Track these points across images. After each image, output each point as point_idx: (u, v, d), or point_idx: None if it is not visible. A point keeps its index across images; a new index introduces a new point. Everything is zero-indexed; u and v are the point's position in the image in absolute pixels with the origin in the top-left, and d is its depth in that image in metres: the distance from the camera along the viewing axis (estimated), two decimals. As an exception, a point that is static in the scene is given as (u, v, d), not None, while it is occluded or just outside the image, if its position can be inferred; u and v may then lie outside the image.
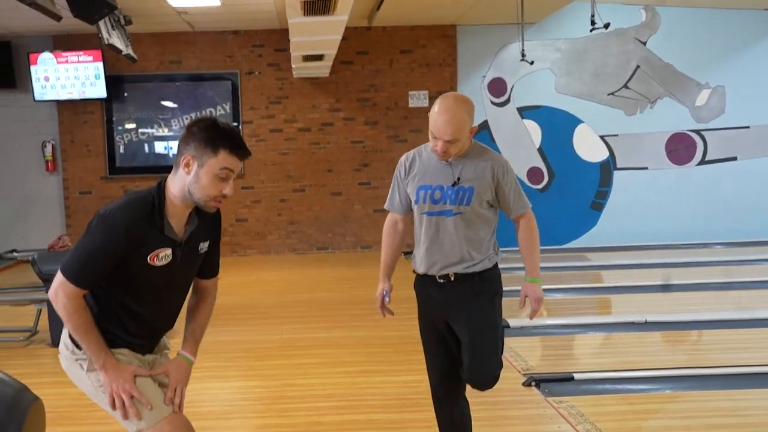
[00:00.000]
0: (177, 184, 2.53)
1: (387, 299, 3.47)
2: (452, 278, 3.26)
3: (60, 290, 2.49)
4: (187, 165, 2.49)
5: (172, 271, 2.57)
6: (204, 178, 2.48)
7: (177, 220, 2.56)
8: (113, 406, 2.53)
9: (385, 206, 3.51)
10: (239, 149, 2.50)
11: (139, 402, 2.53)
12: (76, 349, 2.59)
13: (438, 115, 3.12)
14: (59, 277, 2.49)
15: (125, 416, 2.53)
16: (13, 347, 6.28)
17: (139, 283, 2.55)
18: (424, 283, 3.37)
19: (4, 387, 3.18)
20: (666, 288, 6.43)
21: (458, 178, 3.20)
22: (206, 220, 2.66)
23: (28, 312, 6.63)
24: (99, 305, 2.57)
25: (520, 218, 3.31)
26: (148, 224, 2.49)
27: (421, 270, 3.35)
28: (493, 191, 3.23)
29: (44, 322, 6.32)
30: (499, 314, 3.34)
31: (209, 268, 2.79)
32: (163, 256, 2.52)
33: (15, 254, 9.44)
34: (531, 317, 3.37)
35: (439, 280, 3.29)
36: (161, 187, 2.55)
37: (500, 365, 3.32)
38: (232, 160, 2.49)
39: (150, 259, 2.50)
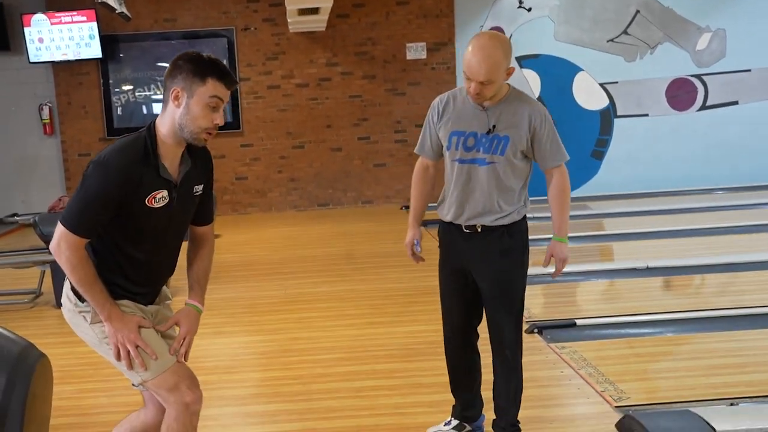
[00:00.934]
0: (167, 121, 2.53)
1: (418, 248, 3.38)
2: (479, 230, 3.19)
3: (62, 242, 2.48)
4: (177, 98, 2.50)
5: (170, 213, 2.58)
6: (195, 108, 2.48)
7: (170, 161, 2.56)
8: (118, 357, 2.55)
9: (416, 150, 3.38)
10: (226, 76, 2.52)
11: (144, 352, 2.56)
12: (79, 302, 2.61)
13: (471, 54, 2.98)
14: (59, 229, 2.49)
15: (130, 366, 2.56)
16: (18, 309, 6.34)
17: (138, 227, 2.55)
18: (450, 231, 3.28)
19: (10, 344, 3.22)
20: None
21: (493, 126, 3.08)
22: (198, 163, 2.66)
23: (31, 274, 6.69)
24: (98, 256, 2.57)
25: (554, 171, 3.20)
26: (143, 166, 2.49)
27: (447, 218, 3.27)
28: (529, 141, 3.10)
29: (48, 284, 6.37)
30: (524, 272, 3.28)
31: (204, 213, 2.79)
32: (160, 198, 2.53)
33: (17, 218, 9.46)
34: (554, 276, 3.34)
35: (465, 230, 3.21)
36: (152, 129, 2.55)
37: (520, 325, 3.29)
38: (220, 88, 2.49)
39: (148, 201, 2.50)
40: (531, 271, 6.39)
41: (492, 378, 3.40)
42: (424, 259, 3.46)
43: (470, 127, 3.13)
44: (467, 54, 3.01)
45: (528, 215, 3.33)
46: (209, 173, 2.75)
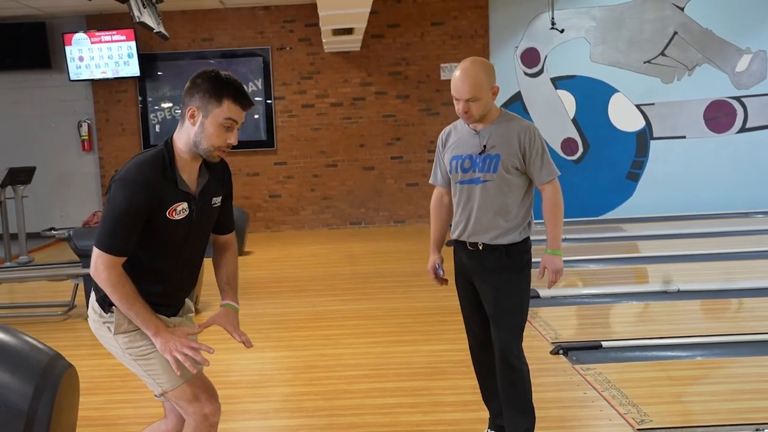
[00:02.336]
0: (183, 137, 2.61)
1: (440, 271, 3.60)
2: (481, 247, 3.36)
3: (99, 264, 2.55)
4: (193, 116, 2.57)
5: (190, 225, 2.65)
6: (209, 127, 2.56)
7: (188, 174, 2.64)
8: (177, 369, 2.59)
9: (430, 181, 3.65)
10: (242, 98, 2.58)
11: (160, 362, 2.64)
12: (103, 312, 2.69)
13: (456, 77, 3.26)
14: (95, 253, 2.56)
15: (191, 364, 2.59)
16: (52, 321, 6.50)
17: (161, 240, 2.62)
18: (457, 248, 3.49)
19: (39, 354, 3.34)
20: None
21: (484, 146, 3.31)
22: (216, 175, 2.75)
23: (66, 287, 6.86)
24: (132, 268, 2.63)
25: (546, 186, 3.34)
26: (163, 179, 2.57)
27: (454, 236, 3.49)
28: (521, 158, 3.28)
29: (81, 297, 6.53)
30: (524, 289, 3.39)
31: (225, 223, 2.88)
32: (180, 210, 2.60)
33: (53, 232, 9.69)
34: (549, 287, 3.42)
35: (469, 248, 3.41)
36: (169, 144, 2.64)
37: (518, 340, 3.37)
38: (235, 110, 2.57)
39: (169, 213, 2.58)
40: (559, 292, 6.45)
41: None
42: (447, 281, 3.62)
43: (466, 150, 3.36)
44: (453, 78, 3.27)
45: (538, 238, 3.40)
46: (227, 185, 2.83)
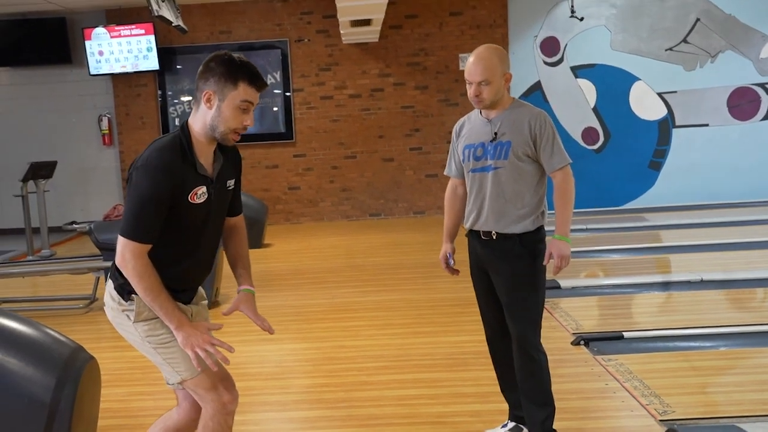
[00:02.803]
0: (199, 121, 2.63)
1: (451, 261, 3.60)
2: (494, 236, 3.36)
3: (126, 253, 2.55)
4: (209, 100, 2.58)
5: (209, 209, 2.67)
6: (226, 111, 2.57)
7: (205, 158, 2.65)
8: (197, 363, 2.58)
9: (445, 172, 3.67)
10: (257, 80, 2.59)
11: (179, 350, 2.64)
12: (122, 300, 2.69)
13: (469, 61, 3.30)
14: (121, 241, 2.57)
15: (211, 362, 2.60)
16: (73, 314, 6.55)
17: (182, 225, 2.63)
18: (471, 238, 3.49)
19: (61, 347, 3.37)
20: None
21: (495, 133, 3.31)
22: (229, 158, 2.76)
23: (87, 280, 6.91)
24: (153, 255, 2.62)
25: (557, 173, 3.33)
26: (182, 163, 2.58)
27: (467, 225, 3.49)
28: (531, 145, 3.28)
29: (102, 290, 6.53)
30: (539, 278, 3.37)
31: (235, 206, 2.90)
32: (200, 194, 2.61)
33: (75, 226, 9.75)
34: (554, 273, 3.40)
35: (483, 237, 3.40)
36: (185, 129, 2.65)
37: (534, 330, 3.36)
38: (251, 92, 2.58)
39: (190, 197, 2.59)
40: (580, 283, 6.42)
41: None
42: (459, 271, 3.61)
43: (478, 139, 3.38)
44: (467, 63, 3.31)
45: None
46: (239, 168, 2.85)
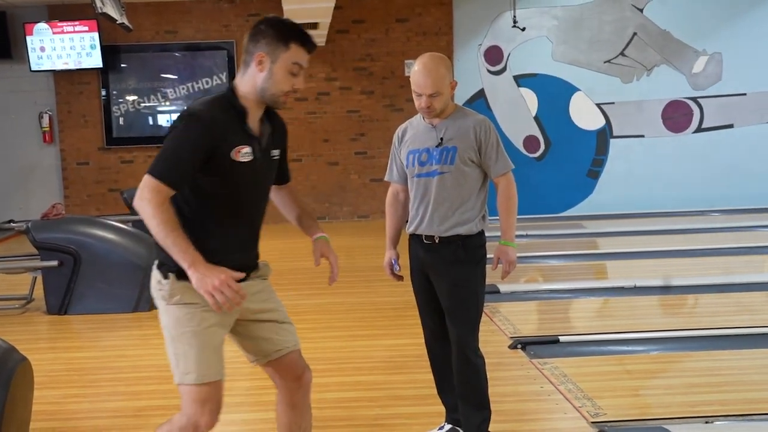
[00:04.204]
0: (248, 83, 2.57)
1: (397, 267, 3.58)
2: (437, 240, 3.36)
3: (145, 188, 2.40)
4: (261, 62, 2.54)
5: (255, 170, 2.59)
6: (278, 73, 2.54)
7: (252, 119, 2.60)
8: (215, 306, 2.35)
9: (386, 178, 3.64)
10: (309, 42, 2.59)
11: (194, 351, 2.50)
12: (163, 280, 2.54)
13: (418, 72, 3.26)
14: (145, 179, 2.42)
15: (228, 306, 2.37)
16: (9, 315, 6.37)
17: (225, 183, 2.54)
18: (413, 243, 3.49)
19: (-8, 347, 3.27)
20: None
21: (441, 139, 3.32)
22: (278, 129, 2.73)
23: (24, 280, 6.73)
24: (188, 221, 2.50)
25: (501, 179, 3.37)
26: (229, 118, 2.53)
27: (410, 230, 3.48)
28: (477, 151, 3.31)
29: (39, 290, 6.42)
30: (480, 284, 3.40)
31: (284, 174, 2.89)
32: (245, 153, 2.53)
33: (13, 224, 9.50)
34: (502, 278, 3.44)
35: (425, 241, 3.40)
36: (233, 90, 2.60)
37: (474, 334, 3.38)
38: (302, 53, 2.57)
39: (234, 155, 2.51)
40: (519, 288, 6.49)
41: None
42: (403, 278, 3.60)
43: (423, 144, 3.37)
44: (414, 73, 3.28)
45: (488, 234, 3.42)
46: (285, 137, 2.81)
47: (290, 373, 2.81)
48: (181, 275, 2.46)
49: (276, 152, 2.71)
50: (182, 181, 2.46)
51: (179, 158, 2.45)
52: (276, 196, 2.92)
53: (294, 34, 2.55)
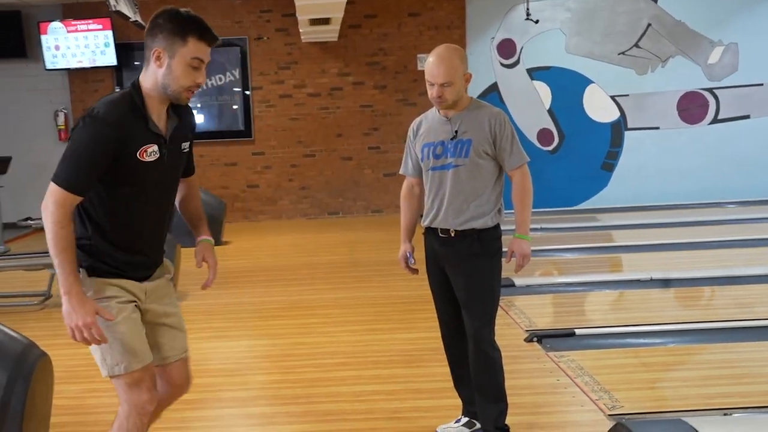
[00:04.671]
0: (149, 79, 2.53)
1: (411, 260, 3.60)
2: (452, 234, 3.36)
3: (50, 199, 2.41)
4: (158, 58, 2.49)
5: (161, 169, 2.57)
6: (177, 68, 2.48)
7: (157, 116, 2.56)
8: (73, 337, 2.44)
9: (400, 171, 3.66)
10: (208, 35, 2.50)
11: (118, 343, 2.54)
12: (80, 268, 2.54)
13: (431, 62, 3.29)
14: (51, 187, 2.43)
15: (88, 343, 2.46)
16: (28, 311, 6.44)
17: (131, 183, 2.53)
18: (428, 236, 3.50)
19: (13, 343, 3.32)
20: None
21: (456, 132, 3.32)
22: (184, 121, 2.68)
23: (42, 276, 6.79)
24: (92, 221, 2.55)
25: (515, 172, 3.37)
26: (133, 118, 2.48)
27: (425, 223, 3.49)
28: (491, 143, 3.31)
29: (57, 286, 6.46)
30: (495, 277, 3.40)
31: (191, 164, 2.86)
32: (151, 152, 2.51)
33: (30, 222, 9.59)
34: (516, 271, 3.44)
35: (440, 235, 3.41)
36: (136, 86, 2.55)
37: (490, 327, 3.39)
38: (202, 47, 2.49)
39: (140, 154, 2.48)
40: (534, 281, 6.49)
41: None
42: (418, 270, 3.62)
43: (438, 137, 3.38)
44: (428, 64, 3.30)
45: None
46: (193, 129, 2.77)
47: (173, 380, 2.84)
48: (93, 271, 2.54)
49: (186, 144, 2.70)
50: (87, 186, 2.46)
51: (83, 164, 2.42)
52: (183, 189, 2.88)
53: (192, 27, 2.47)
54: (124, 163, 2.48)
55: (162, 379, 2.82)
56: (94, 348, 2.59)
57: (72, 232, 2.45)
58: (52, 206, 2.41)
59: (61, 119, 11.35)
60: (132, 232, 2.59)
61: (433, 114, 3.46)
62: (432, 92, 3.28)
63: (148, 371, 2.64)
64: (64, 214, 2.41)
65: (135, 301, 2.64)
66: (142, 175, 2.53)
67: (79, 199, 2.45)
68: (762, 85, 11.35)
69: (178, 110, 2.65)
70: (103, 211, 2.55)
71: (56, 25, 10.88)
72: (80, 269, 2.52)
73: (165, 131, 2.58)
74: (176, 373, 2.83)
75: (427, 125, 3.45)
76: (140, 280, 2.66)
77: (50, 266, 6.44)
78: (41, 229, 8.10)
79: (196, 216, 2.89)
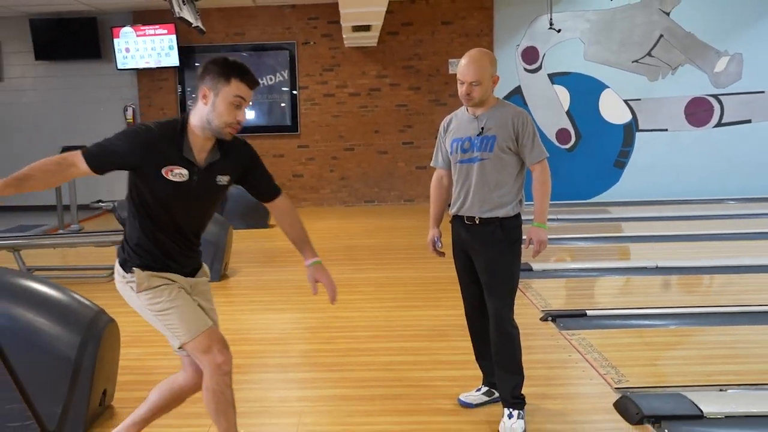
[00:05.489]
0: (197, 116, 2.60)
1: (439, 244, 3.60)
2: (477, 221, 3.35)
3: (69, 154, 2.55)
4: (205, 96, 2.56)
5: (188, 190, 2.61)
6: (220, 105, 2.54)
7: (198, 148, 2.61)
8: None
9: (431, 164, 3.66)
10: (248, 76, 2.56)
11: (177, 317, 2.64)
12: (125, 273, 2.69)
13: (462, 62, 3.29)
14: (79, 150, 2.56)
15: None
16: (98, 282, 6.55)
17: (157, 195, 2.60)
18: (455, 223, 3.48)
19: (85, 310, 3.38)
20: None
21: (482, 129, 3.31)
22: (229, 157, 2.69)
23: (110, 252, 6.87)
24: (138, 229, 2.66)
25: (536, 166, 3.33)
26: (169, 142, 2.56)
27: (452, 211, 3.48)
28: (514, 140, 3.29)
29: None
30: (515, 261, 3.38)
31: (267, 190, 2.86)
32: (177, 173, 2.57)
33: (101, 204, 9.74)
34: (533, 257, 3.42)
35: (466, 222, 3.40)
36: (185, 119, 2.63)
37: (509, 306, 3.37)
38: (243, 88, 2.55)
39: (164, 172, 2.55)
40: (550, 266, 6.44)
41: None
42: (444, 254, 3.61)
43: (466, 133, 3.37)
44: (460, 64, 3.30)
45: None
46: (242, 167, 2.76)
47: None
48: (144, 267, 2.66)
49: (223, 178, 2.69)
50: (98, 164, 2.54)
51: (107, 145, 2.55)
52: (273, 212, 2.91)
53: (235, 70, 2.55)
54: (148, 173, 2.56)
55: (192, 366, 2.86)
56: (160, 327, 2.70)
57: (52, 175, 2.52)
58: (62, 156, 2.54)
59: (129, 113, 11.50)
60: (160, 241, 2.67)
61: (462, 112, 3.45)
62: (462, 90, 3.27)
63: (214, 336, 2.69)
64: (60, 160, 2.53)
65: (183, 288, 2.72)
66: (163, 191, 2.59)
67: (85, 170, 2.54)
68: (764, 92, 11.13)
69: (227, 148, 2.68)
70: (142, 220, 2.65)
71: (127, 30, 11.00)
72: (134, 268, 2.66)
73: (201, 161, 2.62)
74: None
75: (457, 122, 3.44)
76: (185, 274, 2.76)
77: (118, 243, 6.54)
78: (110, 211, 8.21)
79: (297, 238, 2.86)
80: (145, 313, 2.72)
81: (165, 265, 2.68)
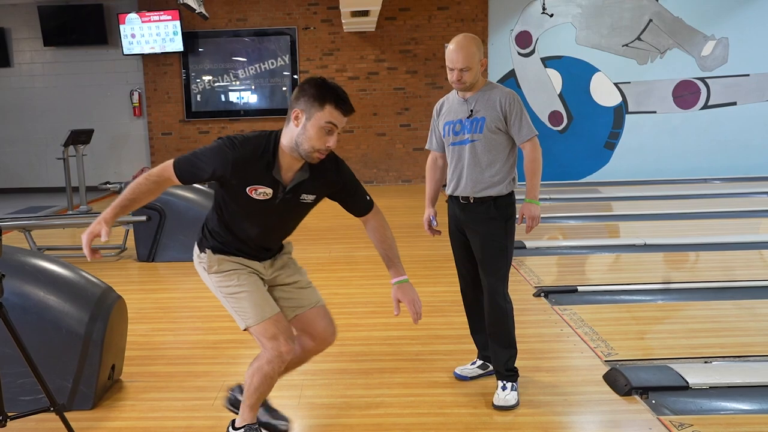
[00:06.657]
0: (287, 135, 2.49)
1: (434, 222, 3.58)
2: (471, 201, 3.34)
3: (160, 166, 2.51)
4: (297, 118, 2.44)
5: (270, 208, 2.55)
6: (311, 129, 2.42)
7: (285, 167, 2.52)
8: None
9: (426, 147, 3.63)
10: (344, 104, 2.43)
11: (246, 300, 2.60)
12: (201, 254, 2.66)
13: (451, 49, 3.25)
14: (170, 161, 2.52)
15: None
16: (106, 261, 6.52)
17: (238, 209, 2.57)
18: (451, 203, 3.48)
19: (94, 287, 3.37)
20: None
21: (471, 111, 3.29)
22: (317, 177, 2.59)
23: (118, 232, 6.89)
24: (219, 219, 2.64)
25: (526, 144, 3.30)
26: (257, 162, 2.48)
27: (448, 191, 3.47)
28: (502, 120, 3.26)
29: (131, 241, 6.56)
30: (509, 238, 3.37)
31: (358, 210, 2.80)
32: (261, 192, 2.50)
33: (108, 185, 9.71)
34: (526, 232, 3.41)
35: (461, 201, 3.39)
36: (276, 138, 2.52)
37: (503, 282, 3.36)
38: (336, 115, 2.42)
39: (249, 190, 2.49)
40: (542, 244, 6.42)
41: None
42: (441, 232, 3.59)
43: (457, 116, 3.35)
44: (448, 51, 3.24)
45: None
46: (329, 189, 2.68)
47: (314, 330, 2.80)
48: (216, 250, 2.64)
49: (309, 197, 2.60)
50: (187, 175, 2.50)
51: (194, 161, 2.49)
52: (365, 227, 2.84)
53: (330, 95, 2.40)
54: (232, 189, 2.51)
55: (305, 333, 2.81)
56: (230, 309, 2.66)
57: (144, 194, 2.52)
58: (156, 168, 2.52)
59: (135, 97, 11.44)
60: (238, 239, 2.64)
61: (453, 96, 3.42)
62: (452, 76, 3.24)
63: (280, 325, 2.62)
64: (153, 180, 2.51)
65: (254, 273, 2.67)
66: (248, 207, 2.55)
67: (174, 180, 2.51)
68: (749, 75, 11.08)
69: (316, 168, 2.57)
70: (222, 214, 2.62)
71: (132, 16, 10.91)
72: (207, 249, 2.65)
73: (288, 180, 2.54)
74: (314, 320, 2.79)
75: (448, 106, 3.42)
76: (261, 260, 2.70)
77: (125, 223, 6.53)
78: (117, 192, 8.17)
79: (385, 255, 2.77)
80: (216, 293, 2.68)
81: (238, 251, 2.64)
